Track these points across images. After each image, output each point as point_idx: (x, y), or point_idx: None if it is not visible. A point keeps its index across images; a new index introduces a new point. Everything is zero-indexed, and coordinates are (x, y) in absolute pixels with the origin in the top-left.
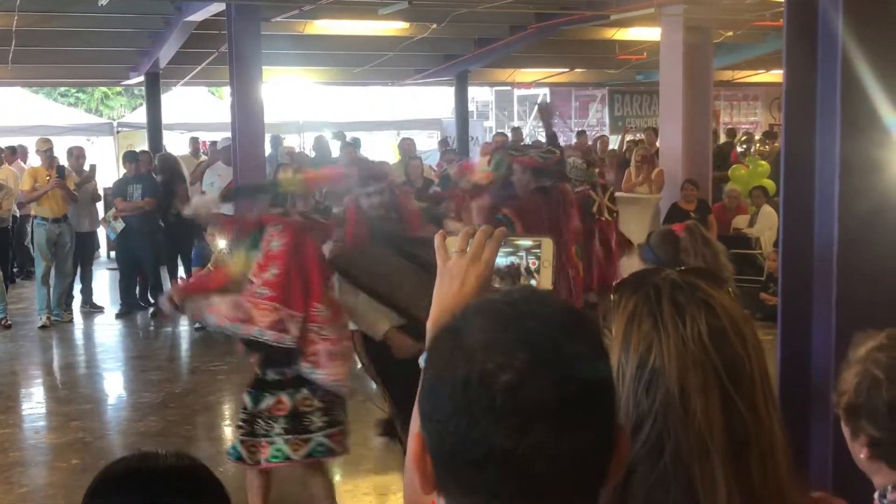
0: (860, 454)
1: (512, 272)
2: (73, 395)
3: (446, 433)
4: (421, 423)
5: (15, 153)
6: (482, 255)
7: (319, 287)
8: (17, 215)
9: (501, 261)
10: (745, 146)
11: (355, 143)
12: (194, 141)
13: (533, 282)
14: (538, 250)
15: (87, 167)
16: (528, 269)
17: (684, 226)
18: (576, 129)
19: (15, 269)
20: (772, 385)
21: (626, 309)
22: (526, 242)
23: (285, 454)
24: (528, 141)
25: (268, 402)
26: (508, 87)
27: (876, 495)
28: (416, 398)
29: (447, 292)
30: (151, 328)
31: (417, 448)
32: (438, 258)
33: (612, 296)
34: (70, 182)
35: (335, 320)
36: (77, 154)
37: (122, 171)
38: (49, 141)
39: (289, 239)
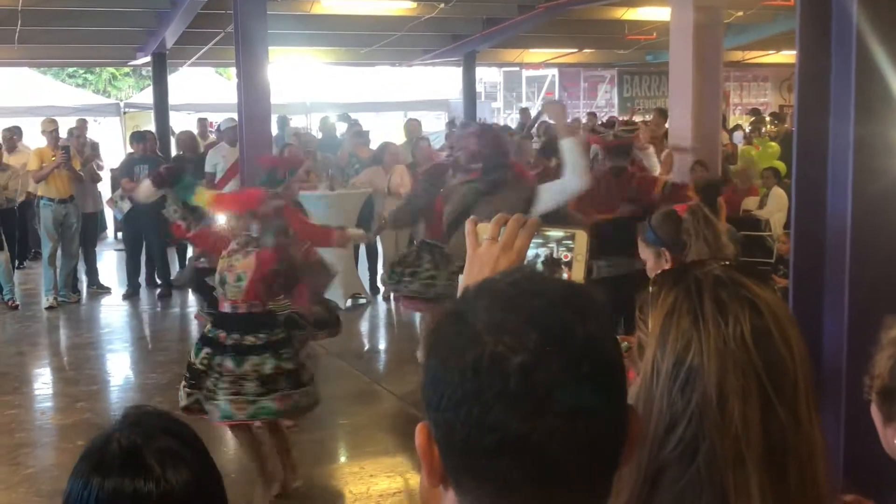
0: (893, 440)
1: (550, 262)
2: (80, 376)
3: (456, 422)
4: (426, 414)
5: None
6: (514, 243)
7: None
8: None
9: (533, 251)
10: (752, 127)
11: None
12: (202, 122)
13: (564, 275)
14: (571, 241)
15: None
16: (559, 261)
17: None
18: (584, 110)
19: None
20: (815, 390)
21: (666, 303)
22: (559, 233)
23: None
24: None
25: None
26: (517, 68)
27: None
28: (420, 388)
29: (476, 280)
30: (158, 309)
31: (423, 440)
32: (468, 244)
33: (650, 288)
34: (76, 163)
35: None
36: (77, 133)
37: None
38: (55, 121)
39: None
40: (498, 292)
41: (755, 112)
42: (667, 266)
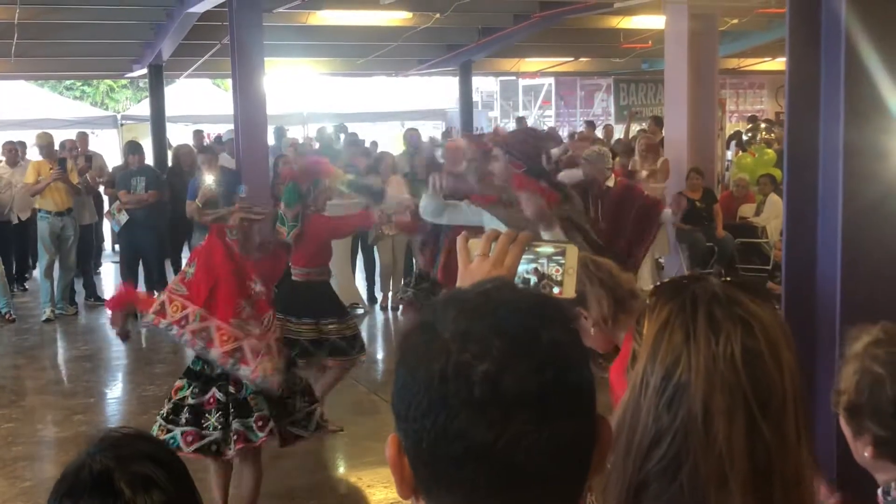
0: (864, 453)
1: (539, 278)
2: (77, 388)
3: (423, 430)
4: (396, 424)
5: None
6: (505, 259)
7: (234, 285)
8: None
9: (524, 267)
10: (749, 134)
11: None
12: (198, 134)
13: (556, 289)
14: (561, 257)
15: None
16: (550, 276)
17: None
18: (582, 118)
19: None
20: (807, 411)
21: (660, 316)
22: (549, 249)
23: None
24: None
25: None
26: (513, 77)
27: (879, 492)
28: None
29: None
30: None
31: (393, 451)
32: (460, 261)
33: (647, 299)
34: (73, 176)
35: (258, 316)
36: (70, 146)
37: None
38: (49, 135)
39: (210, 237)
40: (466, 302)
41: (753, 119)
42: (588, 323)
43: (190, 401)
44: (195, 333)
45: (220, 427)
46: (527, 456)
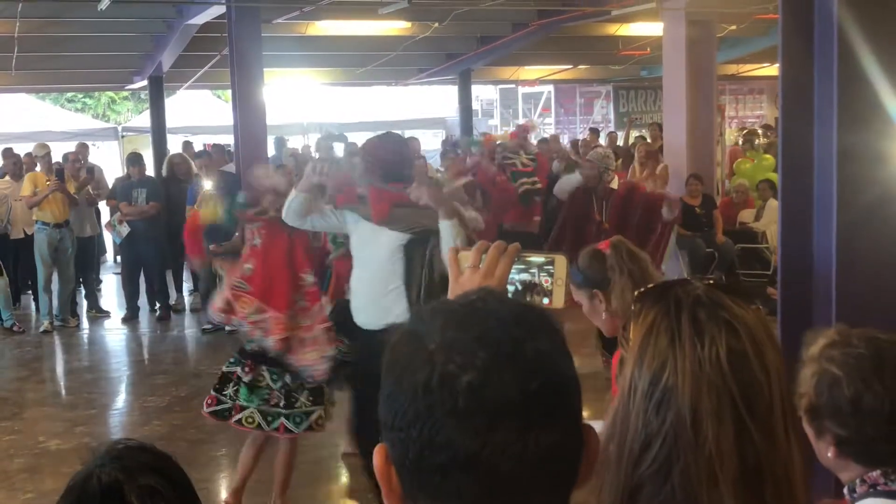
0: (827, 454)
1: (529, 288)
2: (78, 400)
3: (409, 440)
4: (382, 433)
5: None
6: (495, 271)
7: (287, 280)
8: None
9: (514, 277)
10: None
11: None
12: (187, 145)
13: (546, 300)
14: (551, 267)
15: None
16: (540, 286)
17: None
18: (582, 125)
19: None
20: (795, 411)
21: (646, 321)
22: (539, 259)
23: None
24: (533, 138)
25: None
26: (512, 85)
27: (845, 490)
28: (378, 407)
29: None
30: (157, 332)
31: (380, 460)
32: (450, 273)
33: (633, 305)
34: (71, 186)
35: (309, 307)
36: (73, 158)
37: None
38: (47, 146)
39: (266, 236)
40: (452, 312)
41: (768, 126)
42: (602, 306)
43: (224, 368)
44: (254, 324)
45: (232, 398)
46: (512, 465)
